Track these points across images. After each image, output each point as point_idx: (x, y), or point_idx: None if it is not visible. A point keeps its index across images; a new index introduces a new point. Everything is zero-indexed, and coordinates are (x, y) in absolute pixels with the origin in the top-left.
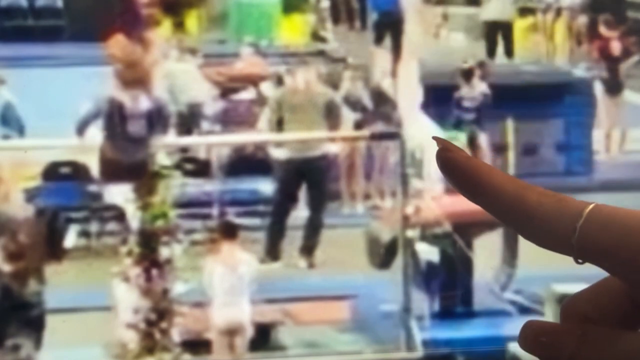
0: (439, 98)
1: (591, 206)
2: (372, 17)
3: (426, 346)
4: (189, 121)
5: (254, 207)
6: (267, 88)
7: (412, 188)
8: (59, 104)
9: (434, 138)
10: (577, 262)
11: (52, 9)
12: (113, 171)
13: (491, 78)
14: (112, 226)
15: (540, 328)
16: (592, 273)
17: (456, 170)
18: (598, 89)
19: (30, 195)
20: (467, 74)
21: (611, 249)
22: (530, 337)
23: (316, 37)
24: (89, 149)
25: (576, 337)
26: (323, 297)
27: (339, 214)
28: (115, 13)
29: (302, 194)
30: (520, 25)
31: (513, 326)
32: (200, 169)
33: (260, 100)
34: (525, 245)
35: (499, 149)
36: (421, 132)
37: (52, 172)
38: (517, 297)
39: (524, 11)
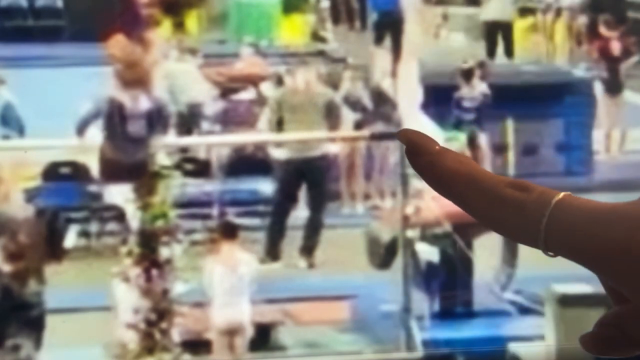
0: (439, 98)
1: (559, 196)
2: (372, 17)
3: (426, 346)
4: (189, 121)
5: (254, 207)
6: (267, 88)
7: (412, 188)
8: (59, 104)
9: (398, 134)
10: (548, 255)
11: (52, 9)
12: (113, 171)
13: (491, 78)
14: (112, 226)
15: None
16: (592, 273)
17: (430, 174)
18: (598, 89)
19: (30, 195)
20: (467, 74)
21: (578, 240)
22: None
23: (316, 37)
24: (89, 149)
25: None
26: (323, 297)
27: (339, 214)
28: (115, 13)
29: (302, 194)
30: (520, 25)
31: (513, 326)
32: (200, 169)
33: (260, 100)
34: (525, 245)
35: (499, 149)
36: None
37: (52, 172)
38: (517, 297)
39: (524, 11)
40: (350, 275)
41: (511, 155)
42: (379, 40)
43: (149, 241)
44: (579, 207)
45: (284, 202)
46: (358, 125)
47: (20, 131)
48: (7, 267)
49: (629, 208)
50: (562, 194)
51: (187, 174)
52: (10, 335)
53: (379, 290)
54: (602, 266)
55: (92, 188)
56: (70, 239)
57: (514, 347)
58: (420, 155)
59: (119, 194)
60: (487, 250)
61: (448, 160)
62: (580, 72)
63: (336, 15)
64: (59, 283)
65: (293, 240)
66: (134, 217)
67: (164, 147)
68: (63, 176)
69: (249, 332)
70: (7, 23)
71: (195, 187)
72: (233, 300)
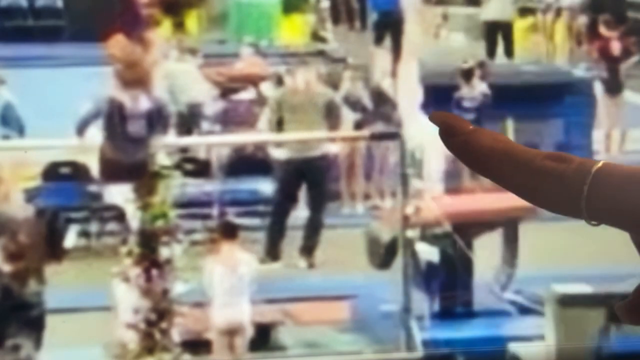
0: (439, 98)
1: (598, 165)
2: (372, 17)
3: (426, 346)
4: (189, 121)
5: (254, 207)
6: (267, 88)
7: (412, 188)
8: (59, 104)
9: (430, 117)
10: (591, 224)
11: (52, 9)
12: (113, 171)
13: (491, 78)
14: (112, 226)
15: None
16: (592, 273)
17: (466, 154)
18: (598, 89)
19: (30, 195)
20: (467, 74)
21: (620, 205)
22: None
23: (316, 37)
24: (89, 149)
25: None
26: (323, 297)
27: (339, 214)
28: (115, 13)
29: (302, 194)
30: (520, 25)
31: (513, 326)
32: (200, 169)
33: (260, 100)
34: (525, 245)
35: None
36: (421, 132)
37: (52, 172)
38: (517, 297)
39: (524, 11)
40: (350, 275)
41: None
42: (379, 40)
43: (149, 241)
44: (619, 173)
45: (284, 202)
46: (358, 125)
47: (20, 131)
48: (7, 267)
49: None
50: (601, 162)
51: (187, 174)
52: (10, 335)
53: (379, 290)
54: None
55: (92, 188)
56: (70, 239)
57: (514, 347)
58: (454, 136)
59: (119, 194)
60: (487, 250)
61: (483, 138)
62: (580, 72)
63: (336, 15)
64: (59, 283)
65: (293, 240)
66: (134, 217)
67: (164, 147)
68: (63, 176)
69: (249, 332)
70: (7, 23)
71: (195, 187)
72: (233, 300)
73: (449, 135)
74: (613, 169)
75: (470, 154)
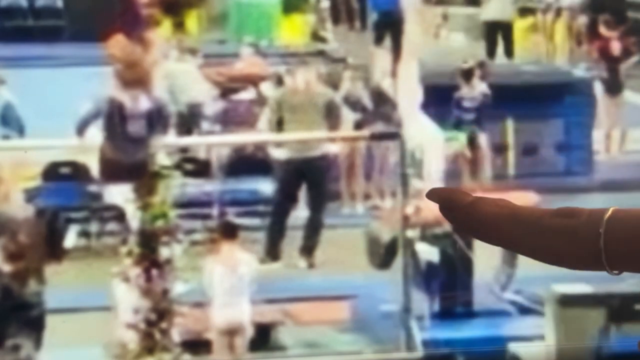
0: (439, 98)
1: (608, 213)
2: (372, 17)
3: (426, 346)
4: (189, 121)
5: (254, 207)
6: (267, 88)
7: (412, 188)
8: (59, 104)
9: (428, 195)
10: (613, 274)
11: (52, 9)
12: (113, 171)
13: (491, 78)
14: (112, 226)
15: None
16: (592, 273)
17: (470, 226)
18: (598, 89)
19: (30, 195)
20: (467, 74)
21: None
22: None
23: (316, 37)
24: (89, 149)
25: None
26: (323, 297)
27: (339, 214)
28: (115, 13)
29: (302, 194)
30: (520, 25)
31: (513, 326)
32: (200, 169)
33: (260, 100)
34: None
35: (499, 149)
36: (421, 132)
37: (52, 172)
38: (517, 297)
39: (524, 11)
40: (350, 275)
41: (511, 155)
42: (379, 40)
43: (149, 241)
44: (631, 218)
45: (284, 202)
46: (358, 125)
47: (20, 131)
48: (7, 267)
49: None
50: (610, 210)
51: (187, 174)
52: (10, 335)
53: (379, 290)
54: None
55: (92, 188)
56: (70, 239)
57: (514, 347)
58: (455, 209)
59: (119, 194)
60: (487, 250)
61: (485, 206)
62: (580, 72)
63: (336, 15)
64: (59, 283)
65: (293, 240)
66: (134, 217)
67: (164, 147)
68: (63, 176)
69: (249, 332)
70: (7, 23)
71: (195, 187)
72: (233, 300)
73: (449, 210)
74: (624, 214)
75: (475, 224)
